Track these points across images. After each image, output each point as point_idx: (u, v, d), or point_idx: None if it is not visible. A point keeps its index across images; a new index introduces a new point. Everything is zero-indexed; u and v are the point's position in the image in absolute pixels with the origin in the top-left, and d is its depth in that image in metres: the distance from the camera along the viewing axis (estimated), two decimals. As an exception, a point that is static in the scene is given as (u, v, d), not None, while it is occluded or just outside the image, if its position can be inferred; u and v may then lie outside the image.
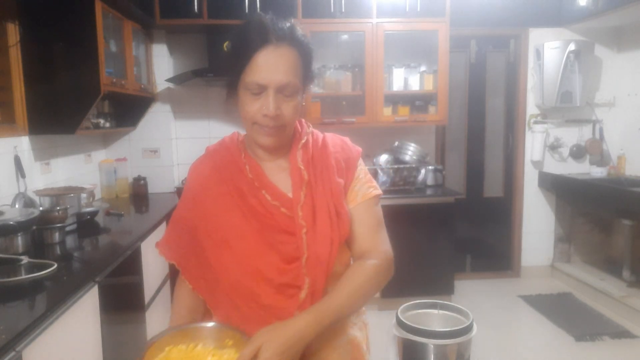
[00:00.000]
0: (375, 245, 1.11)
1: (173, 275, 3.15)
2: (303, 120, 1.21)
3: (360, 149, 1.21)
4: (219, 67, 3.54)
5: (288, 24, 1.05)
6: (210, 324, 1.06)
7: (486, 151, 4.49)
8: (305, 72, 1.09)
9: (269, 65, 1.01)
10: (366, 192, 1.15)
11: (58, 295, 1.60)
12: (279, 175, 1.13)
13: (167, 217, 3.13)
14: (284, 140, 1.12)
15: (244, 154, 1.15)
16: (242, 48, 1.03)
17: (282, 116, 1.05)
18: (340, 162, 1.14)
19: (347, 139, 1.22)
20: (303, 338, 0.95)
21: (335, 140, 1.20)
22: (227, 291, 1.09)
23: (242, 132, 1.22)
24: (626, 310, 3.56)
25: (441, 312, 0.91)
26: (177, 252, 1.17)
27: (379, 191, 1.18)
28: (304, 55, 1.07)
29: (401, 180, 3.88)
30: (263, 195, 1.09)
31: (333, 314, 0.99)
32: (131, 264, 2.40)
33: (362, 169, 1.19)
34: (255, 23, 1.04)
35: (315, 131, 1.21)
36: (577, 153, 4.36)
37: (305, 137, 1.16)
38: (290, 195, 1.10)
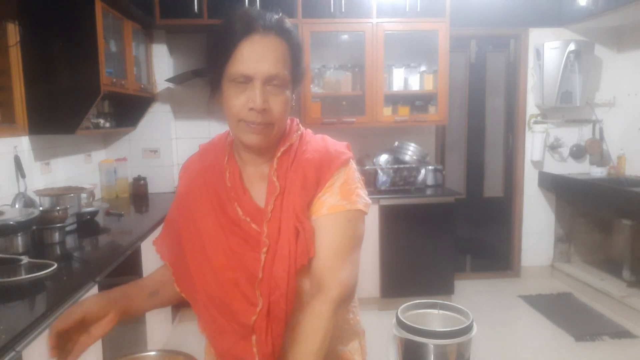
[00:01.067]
0: (333, 272, 0.94)
1: (173, 275, 3.15)
2: (296, 120, 1.11)
3: (347, 156, 1.04)
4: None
5: (276, 16, 0.98)
6: (153, 353, 1.01)
7: (486, 151, 4.49)
8: (295, 67, 1.00)
9: (255, 55, 0.94)
10: (336, 203, 0.98)
11: (58, 295, 1.60)
12: (259, 184, 1.04)
13: (167, 217, 3.13)
14: (271, 140, 1.01)
15: (228, 158, 1.07)
16: (226, 38, 0.96)
17: (270, 112, 0.96)
18: (311, 170, 1.00)
19: (335, 144, 1.07)
20: None
21: (318, 145, 1.05)
22: (205, 301, 1.03)
23: None
24: (626, 310, 3.56)
25: (441, 312, 0.90)
26: (169, 253, 1.13)
27: (357, 206, 0.99)
28: (293, 47, 0.99)
29: (401, 180, 3.88)
30: (236, 208, 1.02)
31: None
32: (131, 264, 2.40)
33: (343, 178, 1.01)
34: (241, 13, 0.98)
35: (306, 132, 1.09)
36: (577, 153, 4.36)
37: (289, 143, 1.04)
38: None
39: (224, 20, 0.99)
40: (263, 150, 1.03)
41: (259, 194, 1.03)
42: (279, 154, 1.03)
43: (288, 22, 1.00)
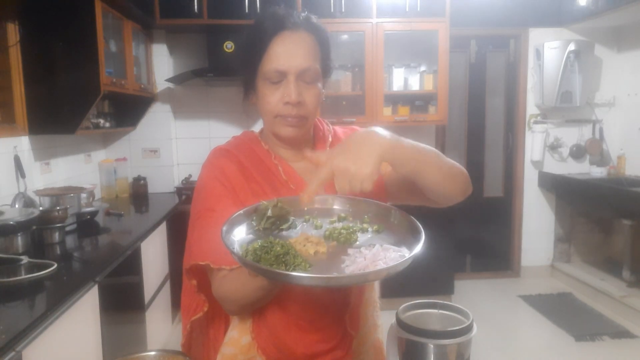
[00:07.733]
0: None
1: (173, 275, 3.15)
2: (320, 118, 1.17)
3: None
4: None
5: (303, 14, 1.03)
6: (153, 353, 1.00)
7: (486, 151, 4.49)
8: (324, 60, 1.05)
9: (287, 51, 0.98)
10: None
11: (58, 295, 1.60)
12: (307, 177, 1.07)
13: (167, 217, 3.13)
14: (305, 134, 1.08)
15: (274, 155, 1.08)
16: (257, 38, 0.99)
17: (304, 105, 1.00)
18: None
19: (355, 128, 1.14)
20: (375, 133, 0.87)
21: (347, 133, 1.17)
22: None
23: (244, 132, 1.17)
24: (626, 310, 3.56)
25: (441, 312, 0.90)
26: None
27: None
28: (322, 41, 1.04)
29: (401, 180, 3.87)
30: None
31: (408, 142, 0.94)
32: (131, 264, 2.40)
33: None
34: (269, 14, 1.01)
35: (334, 129, 1.18)
36: (577, 153, 4.36)
37: (329, 134, 1.13)
38: None
39: (253, 22, 1.03)
40: (299, 144, 1.08)
41: None
42: (327, 146, 1.11)
43: (315, 19, 1.05)
